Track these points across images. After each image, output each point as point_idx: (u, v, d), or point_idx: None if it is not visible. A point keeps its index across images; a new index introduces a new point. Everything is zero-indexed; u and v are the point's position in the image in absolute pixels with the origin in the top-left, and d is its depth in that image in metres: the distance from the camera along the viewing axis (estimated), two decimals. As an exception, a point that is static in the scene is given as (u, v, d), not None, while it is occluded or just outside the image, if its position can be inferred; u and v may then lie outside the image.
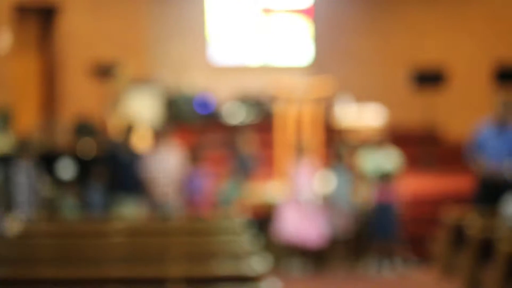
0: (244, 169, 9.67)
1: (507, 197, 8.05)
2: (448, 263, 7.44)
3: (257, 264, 5.68)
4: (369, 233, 9.14)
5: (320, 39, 15.68)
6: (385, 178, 9.08)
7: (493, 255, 6.15)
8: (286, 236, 9.10)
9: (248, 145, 9.70)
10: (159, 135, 9.14)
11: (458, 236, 7.23)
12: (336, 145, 9.55)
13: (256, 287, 5.24)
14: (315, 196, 9.26)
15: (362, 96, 15.00)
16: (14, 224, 7.29)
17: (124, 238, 6.62)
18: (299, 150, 9.31)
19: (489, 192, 8.55)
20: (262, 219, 9.47)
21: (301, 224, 9.12)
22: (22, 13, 13.12)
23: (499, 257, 6.05)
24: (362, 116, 11.33)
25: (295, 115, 10.43)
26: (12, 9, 12.81)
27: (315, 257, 9.35)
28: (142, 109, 13.54)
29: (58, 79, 13.63)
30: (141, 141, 11.43)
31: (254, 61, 16.08)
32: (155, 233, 6.89)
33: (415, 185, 11.02)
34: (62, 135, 12.44)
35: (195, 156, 9.36)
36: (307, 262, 9.28)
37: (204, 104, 12.05)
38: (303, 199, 9.17)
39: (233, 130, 11.84)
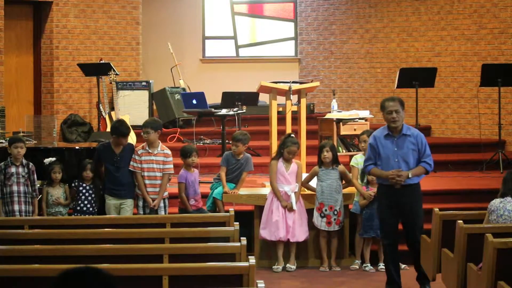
0: (236, 162, 9.68)
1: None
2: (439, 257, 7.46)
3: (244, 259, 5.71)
4: (361, 228, 9.17)
5: (307, 41, 15.67)
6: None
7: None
8: (273, 230, 9.09)
9: (241, 139, 9.69)
10: (149, 134, 9.11)
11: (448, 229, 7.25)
12: (325, 143, 9.54)
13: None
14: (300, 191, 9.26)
15: (350, 99, 15.04)
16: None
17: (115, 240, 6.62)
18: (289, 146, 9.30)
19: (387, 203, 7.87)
20: (250, 212, 9.48)
21: (289, 218, 9.13)
22: (12, 7, 13.10)
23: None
24: (350, 117, 11.35)
25: (282, 113, 10.45)
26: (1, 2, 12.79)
27: (304, 252, 9.38)
28: (132, 108, 13.55)
29: (48, 75, 13.64)
30: (131, 140, 11.45)
31: (243, 57, 16.14)
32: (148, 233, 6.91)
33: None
34: (52, 132, 12.44)
35: (186, 155, 9.34)
36: (296, 256, 9.30)
37: (196, 100, 12.07)
38: (290, 193, 9.16)
39: (225, 124, 11.86)
